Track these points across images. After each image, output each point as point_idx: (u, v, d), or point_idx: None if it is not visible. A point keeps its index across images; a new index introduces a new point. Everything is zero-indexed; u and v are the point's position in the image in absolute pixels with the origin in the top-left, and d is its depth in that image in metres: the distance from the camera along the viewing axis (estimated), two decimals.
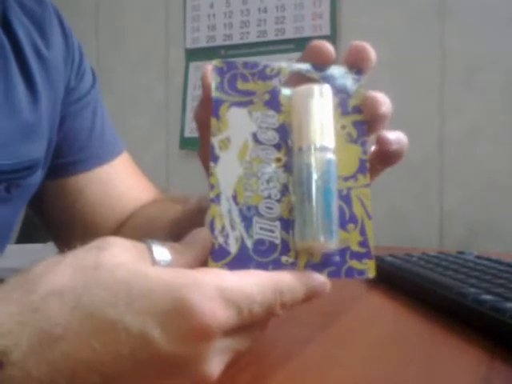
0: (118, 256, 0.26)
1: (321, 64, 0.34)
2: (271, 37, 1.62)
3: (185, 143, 1.70)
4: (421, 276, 0.52)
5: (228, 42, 1.68)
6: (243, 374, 0.33)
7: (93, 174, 0.61)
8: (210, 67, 0.34)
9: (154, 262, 0.27)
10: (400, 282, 0.56)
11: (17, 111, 0.52)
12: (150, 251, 0.28)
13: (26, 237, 1.39)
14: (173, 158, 1.76)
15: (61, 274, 0.25)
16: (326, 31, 1.54)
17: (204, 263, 0.29)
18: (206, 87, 0.34)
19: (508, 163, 1.35)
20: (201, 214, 0.41)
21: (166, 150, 1.77)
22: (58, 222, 0.63)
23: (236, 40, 1.67)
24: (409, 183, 1.44)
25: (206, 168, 0.40)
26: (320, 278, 0.29)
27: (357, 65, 0.34)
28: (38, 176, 0.56)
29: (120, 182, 0.64)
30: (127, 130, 1.75)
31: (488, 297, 0.41)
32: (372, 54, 0.34)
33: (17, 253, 0.70)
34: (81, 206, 0.61)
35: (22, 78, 0.53)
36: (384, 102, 0.33)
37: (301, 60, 0.35)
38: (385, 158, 0.34)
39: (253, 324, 0.27)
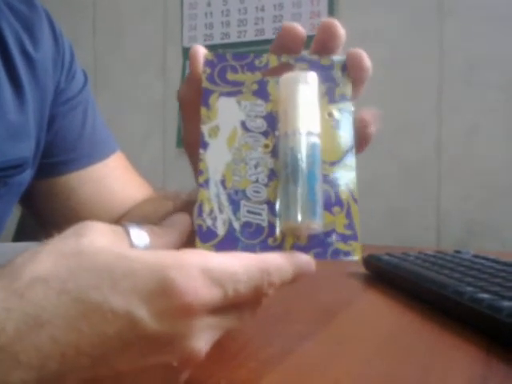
0: (97, 241, 0.27)
1: (293, 46, 0.35)
2: (269, 35, 1.62)
3: (182, 142, 1.70)
4: (418, 274, 0.52)
5: (225, 41, 1.68)
6: (240, 369, 0.33)
7: (85, 172, 0.62)
8: (199, 47, 0.35)
9: (132, 246, 0.28)
10: (397, 280, 0.56)
11: (2, 112, 0.52)
12: (128, 234, 0.28)
13: (23, 235, 1.38)
14: (170, 157, 1.76)
15: (43, 262, 0.25)
16: None
17: (182, 247, 0.30)
18: (193, 66, 0.34)
19: (506, 163, 1.36)
20: (191, 207, 0.41)
21: (163, 149, 1.77)
22: (51, 220, 0.63)
23: (233, 38, 1.67)
24: (407, 182, 1.44)
25: (188, 153, 0.40)
26: (305, 257, 0.30)
27: (326, 43, 0.35)
28: (26, 175, 0.57)
29: (113, 180, 0.64)
30: (125, 128, 1.75)
31: (485, 295, 0.42)
32: (340, 30, 0.35)
33: (11, 250, 0.70)
34: (73, 204, 0.62)
35: (7, 78, 0.53)
36: (365, 56, 0.34)
37: (274, 43, 0.36)
38: (364, 139, 0.35)
39: (242, 303, 0.28)
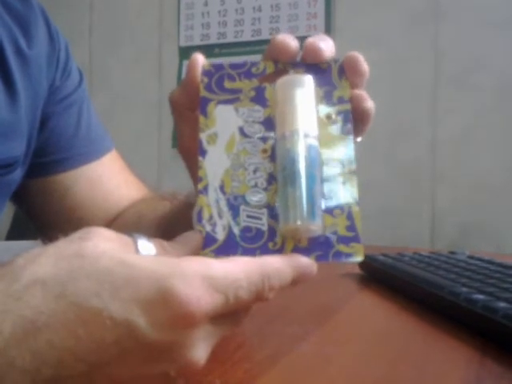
0: (101, 246, 0.26)
1: (286, 59, 0.35)
2: (265, 36, 1.62)
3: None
4: (413, 275, 0.52)
5: (222, 41, 1.68)
6: (235, 370, 0.33)
7: (80, 171, 0.62)
8: (198, 56, 0.35)
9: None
10: (392, 281, 0.56)
11: None
12: (135, 244, 0.28)
13: (16, 234, 1.38)
14: (165, 157, 1.75)
15: (43, 264, 0.25)
16: (321, 31, 1.54)
17: None
18: (191, 73, 0.34)
19: (499, 164, 1.36)
20: (188, 209, 0.41)
21: (158, 149, 1.77)
22: (46, 219, 0.63)
23: (230, 38, 1.67)
24: (401, 184, 1.45)
25: (184, 157, 0.40)
26: (306, 260, 0.29)
27: (311, 60, 0.34)
28: (17, 174, 0.56)
29: (108, 179, 0.64)
30: (120, 127, 1.75)
31: (480, 296, 0.42)
32: (328, 44, 0.34)
33: (6, 249, 0.70)
34: (68, 203, 0.61)
35: (0, 76, 0.53)
36: (362, 59, 0.34)
37: (264, 55, 0.36)
38: (362, 115, 0.35)
39: (239, 309, 0.27)
